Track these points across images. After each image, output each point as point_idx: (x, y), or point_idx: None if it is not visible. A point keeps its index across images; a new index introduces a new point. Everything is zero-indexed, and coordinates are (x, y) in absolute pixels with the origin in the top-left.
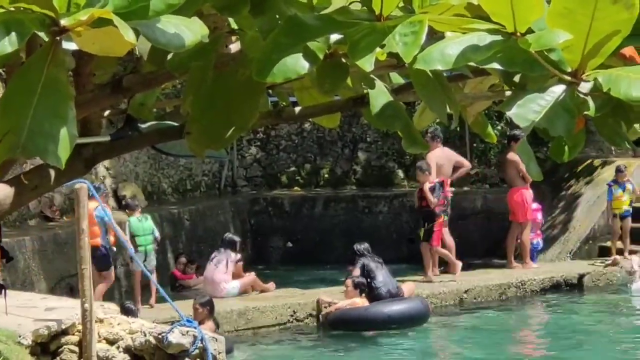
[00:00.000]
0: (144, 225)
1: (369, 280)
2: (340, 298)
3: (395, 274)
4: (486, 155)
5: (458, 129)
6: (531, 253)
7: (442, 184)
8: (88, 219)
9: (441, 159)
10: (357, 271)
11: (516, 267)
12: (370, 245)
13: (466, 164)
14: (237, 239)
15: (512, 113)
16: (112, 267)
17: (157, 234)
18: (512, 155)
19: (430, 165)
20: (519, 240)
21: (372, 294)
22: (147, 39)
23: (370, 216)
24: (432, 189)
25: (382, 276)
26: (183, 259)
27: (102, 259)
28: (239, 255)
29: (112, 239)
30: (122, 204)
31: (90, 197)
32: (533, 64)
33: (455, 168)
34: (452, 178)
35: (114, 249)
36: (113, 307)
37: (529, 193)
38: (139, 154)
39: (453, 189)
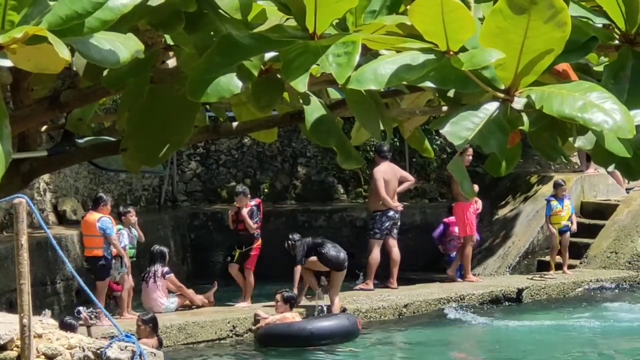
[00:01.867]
0: None
1: (317, 249)
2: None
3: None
4: (425, 170)
5: (398, 144)
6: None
7: (258, 206)
8: (89, 229)
9: (387, 174)
10: (312, 258)
11: (458, 281)
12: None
13: (410, 178)
14: (165, 249)
15: (445, 131)
16: (108, 278)
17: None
18: None
19: (378, 180)
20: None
21: (324, 258)
22: (82, 55)
23: (310, 231)
24: (251, 213)
25: (326, 242)
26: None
27: (101, 269)
28: (166, 268)
29: (114, 250)
30: (62, 219)
31: (97, 206)
32: (466, 81)
33: (400, 183)
34: (397, 192)
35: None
36: (52, 322)
37: (471, 208)
38: (79, 169)
39: (400, 203)
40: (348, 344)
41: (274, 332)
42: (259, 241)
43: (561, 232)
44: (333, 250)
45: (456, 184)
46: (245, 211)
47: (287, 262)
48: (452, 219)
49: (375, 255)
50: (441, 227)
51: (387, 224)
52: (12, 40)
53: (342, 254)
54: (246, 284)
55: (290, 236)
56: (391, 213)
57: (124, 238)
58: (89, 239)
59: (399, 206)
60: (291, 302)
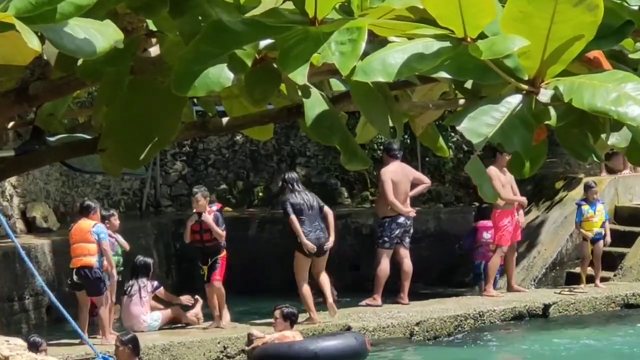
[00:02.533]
0: None
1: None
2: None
3: (339, 305)
4: (440, 170)
5: (409, 141)
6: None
7: (221, 211)
8: (83, 235)
9: (397, 174)
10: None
11: (496, 295)
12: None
13: (425, 180)
14: (150, 261)
15: (463, 127)
16: (106, 291)
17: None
18: (490, 170)
19: (385, 181)
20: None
21: (302, 247)
22: (54, 45)
23: None
24: (216, 219)
25: (310, 221)
26: None
27: (97, 281)
28: (155, 283)
29: (105, 263)
30: (31, 227)
31: (87, 214)
32: (486, 71)
33: (413, 185)
34: (410, 196)
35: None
36: (20, 343)
37: (506, 214)
38: (50, 170)
39: (413, 209)
40: None
41: (273, 352)
42: (225, 251)
43: (593, 240)
44: (312, 234)
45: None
46: (209, 217)
47: (284, 275)
48: (482, 223)
49: (384, 266)
50: (472, 232)
51: (397, 232)
52: None
53: (322, 237)
54: (219, 298)
55: (288, 175)
56: (402, 219)
57: None
58: (80, 247)
59: (411, 211)
60: (291, 319)
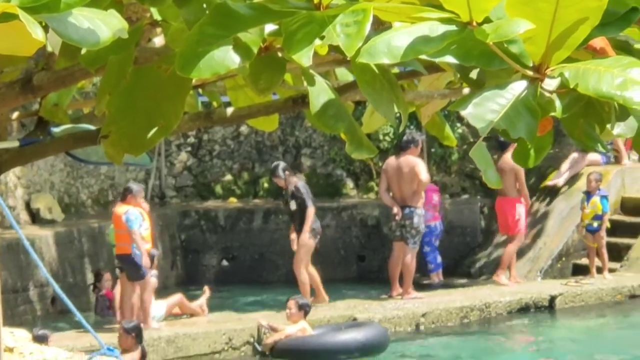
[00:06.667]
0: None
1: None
2: (282, 322)
3: (345, 296)
4: (446, 161)
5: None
6: (430, 237)
7: None
8: (117, 222)
9: (388, 169)
10: (310, 242)
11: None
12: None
13: (419, 176)
14: (154, 252)
15: (467, 113)
16: (147, 277)
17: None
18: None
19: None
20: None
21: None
22: (58, 35)
23: None
24: None
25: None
26: (108, 275)
27: (132, 268)
28: (153, 271)
29: (147, 246)
30: (35, 218)
31: (124, 198)
32: (491, 57)
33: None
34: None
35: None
36: (24, 335)
37: (517, 202)
38: (54, 161)
39: (396, 208)
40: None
41: (302, 346)
42: None
43: (590, 231)
44: (317, 221)
45: (506, 175)
46: None
47: (290, 266)
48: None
49: (392, 257)
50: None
51: (392, 224)
52: None
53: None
54: None
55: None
56: (394, 211)
57: None
58: (117, 234)
59: (394, 209)
60: (306, 310)
